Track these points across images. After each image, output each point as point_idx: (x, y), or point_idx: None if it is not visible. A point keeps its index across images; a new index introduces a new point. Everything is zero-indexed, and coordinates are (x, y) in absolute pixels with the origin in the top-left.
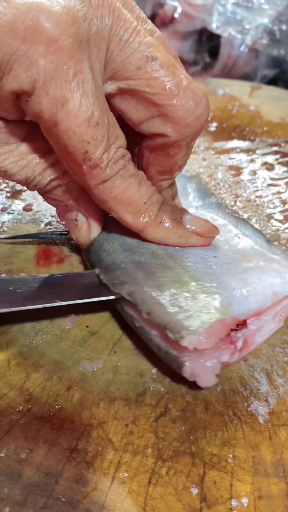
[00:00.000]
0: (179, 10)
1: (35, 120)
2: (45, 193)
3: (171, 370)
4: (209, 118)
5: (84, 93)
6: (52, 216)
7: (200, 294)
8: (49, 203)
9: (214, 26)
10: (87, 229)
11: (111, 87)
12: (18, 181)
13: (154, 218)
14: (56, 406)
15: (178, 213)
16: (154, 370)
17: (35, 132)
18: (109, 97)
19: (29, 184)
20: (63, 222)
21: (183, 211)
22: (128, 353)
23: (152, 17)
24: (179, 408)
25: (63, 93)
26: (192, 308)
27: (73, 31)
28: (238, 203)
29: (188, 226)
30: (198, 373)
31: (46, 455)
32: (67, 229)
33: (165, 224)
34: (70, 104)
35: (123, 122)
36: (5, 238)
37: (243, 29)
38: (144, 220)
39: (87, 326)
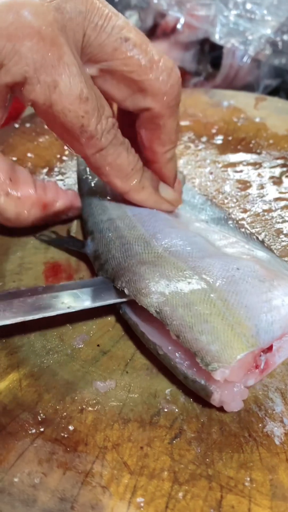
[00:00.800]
0: (181, 21)
1: (32, 106)
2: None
3: (184, 390)
4: (215, 131)
5: (71, 74)
6: None
7: (229, 319)
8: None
9: (217, 37)
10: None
11: (92, 70)
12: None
13: (138, 183)
14: (70, 428)
15: (156, 181)
16: (168, 391)
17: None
18: (93, 79)
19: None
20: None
21: (158, 181)
22: (141, 373)
23: (154, 27)
24: (194, 430)
25: (53, 77)
26: (223, 338)
27: (51, 19)
28: (246, 218)
29: (162, 193)
30: (226, 400)
31: (61, 479)
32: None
33: (146, 189)
34: (61, 85)
35: None
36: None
37: (246, 40)
38: (131, 184)
39: (98, 345)
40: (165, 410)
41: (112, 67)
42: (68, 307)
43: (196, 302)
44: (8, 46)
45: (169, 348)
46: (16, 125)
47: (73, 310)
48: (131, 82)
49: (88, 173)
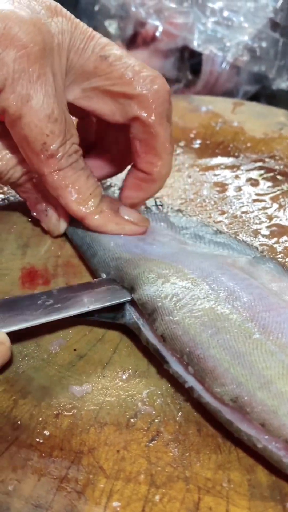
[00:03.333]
0: (160, 29)
1: (1, 114)
2: (18, 187)
3: (161, 392)
4: (193, 135)
5: (46, 93)
6: None
7: None
8: (20, 196)
9: (196, 44)
10: (57, 219)
11: (76, 91)
12: None
13: (95, 208)
14: (45, 433)
15: (116, 204)
16: (145, 393)
17: (7, 132)
18: (77, 100)
19: (3, 177)
20: (35, 214)
21: (119, 203)
22: (117, 376)
23: (134, 36)
24: (171, 431)
25: (28, 91)
26: None
27: (40, 40)
28: (224, 220)
29: (124, 216)
30: None
31: (36, 485)
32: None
33: (105, 213)
34: (33, 101)
35: None
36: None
37: (224, 47)
38: (87, 209)
39: (75, 350)
40: (142, 412)
41: (95, 84)
42: (88, 306)
43: (274, 379)
44: None
45: (266, 437)
46: None
47: (93, 309)
48: (115, 95)
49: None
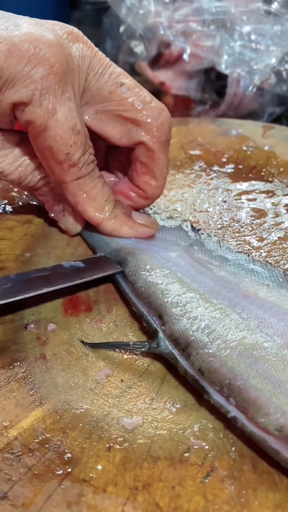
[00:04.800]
0: (188, 51)
1: (25, 126)
2: (36, 190)
3: (213, 426)
4: (225, 159)
5: (70, 108)
6: None
7: None
8: (38, 199)
9: (223, 66)
10: (74, 219)
11: (89, 111)
12: (12, 181)
13: (110, 213)
14: (98, 468)
15: (127, 209)
16: (196, 426)
17: (26, 139)
18: (90, 121)
19: (22, 182)
20: (52, 215)
21: (130, 208)
22: (167, 408)
23: (158, 57)
24: (225, 467)
25: (54, 106)
26: None
27: (64, 60)
28: (263, 246)
29: (136, 219)
30: None
31: None
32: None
33: (119, 217)
34: (59, 114)
35: None
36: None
37: (251, 70)
38: (103, 215)
39: (122, 380)
40: (195, 446)
41: (108, 107)
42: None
43: None
44: (25, 70)
45: None
46: None
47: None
48: (125, 120)
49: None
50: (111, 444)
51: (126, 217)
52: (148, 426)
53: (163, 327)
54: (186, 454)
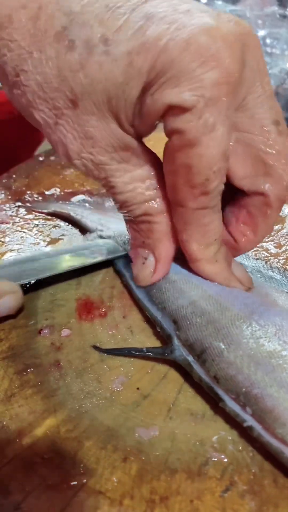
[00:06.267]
0: None
1: (169, 133)
2: (131, 222)
3: (232, 438)
4: None
5: (228, 128)
6: None
7: None
8: (128, 230)
9: None
10: (151, 272)
11: (231, 135)
12: (116, 200)
13: (213, 255)
14: (114, 479)
15: (229, 258)
16: (215, 438)
17: (156, 164)
18: None
19: (124, 207)
20: (131, 254)
21: (232, 257)
22: (185, 418)
23: None
24: (245, 481)
25: (214, 122)
26: None
27: (241, 69)
28: (281, 253)
29: (234, 272)
30: None
31: None
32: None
33: (219, 263)
34: (216, 133)
35: None
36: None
37: None
38: (205, 255)
39: (138, 388)
40: (214, 459)
41: (252, 141)
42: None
43: None
44: (198, 72)
45: None
46: (41, 158)
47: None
48: (260, 164)
49: None
50: (127, 455)
51: (226, 266)
52: (165, 437)
53: (177, 332)
54: (204, 467)
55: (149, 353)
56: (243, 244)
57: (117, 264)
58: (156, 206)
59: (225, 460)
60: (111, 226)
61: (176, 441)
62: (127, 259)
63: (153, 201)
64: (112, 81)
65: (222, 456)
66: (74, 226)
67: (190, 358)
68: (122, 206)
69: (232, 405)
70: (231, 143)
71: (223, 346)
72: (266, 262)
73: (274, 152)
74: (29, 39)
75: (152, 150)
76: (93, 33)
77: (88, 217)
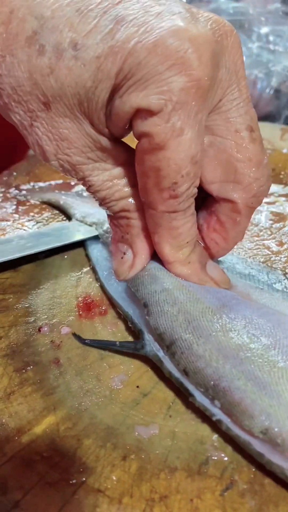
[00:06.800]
0: None
1: (138, 136)
2: (112, 218)
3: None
4: None
5: (198, 133)
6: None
7: None
8: (110, 225)
9: None
10: (129, 266)
11: (205, 138)
12: (95, 197)
13: (186, 257)
14: (113, 478)
15: (204, 258)
16: (215, 437)
17: (131, 164)
18: None
19: (103, 204)
20: (111, 248)
21: (207, 257)
22: (185, 417)
23: None
24: (246, 480)
25: (182, 126)
26: None
27: (212, 75)
28: (282, 251)
29: (209, 272)
30: None
31: None
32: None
33: (192, 264)
34: (184, 138)
35: None
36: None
37: (269, 71)
38: (177, 257)
39: (137, 386)
40: (214, 458)
41: (224, 146)
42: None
43: None
44: (166, 75)
45: None
46: None
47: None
48: (231, 170)
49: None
50: (127, 453)
51: (199, 267)
52: (165, 435)
53: (147, 317)
54: (204, 466)
55: (121, 347)
56: (215, 251)
57: (92, 261)
58: (133, 202)
59: (225, 459)
60: (97, 216)
61: (176, 439)
62: (101, 257)
63: (131, 198)
64: (82, 85)
65: (222, 455)
66: (64, 215)
67: (160, 354)
68: (101, 202)
69: (201, 399)
70: (204, 147)
71: (192, 339)
72: (246, 260)
73: (245, 159)
74: (2, 43)
75: (131, 147)
76: (63, 37)
77: (77, 207)
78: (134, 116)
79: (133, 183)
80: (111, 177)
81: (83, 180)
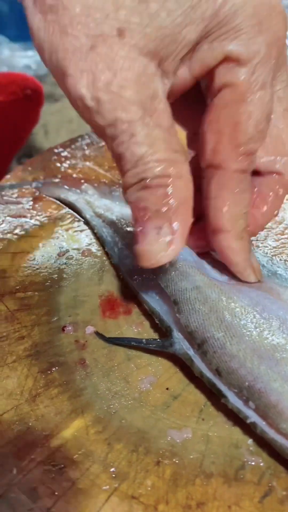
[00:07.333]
0: None
1: (218, 88)
2: (143, 189)
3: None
4: None
5: (272, 92)
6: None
7: None
8: (135, 203)
9: None
10: (168, 243)
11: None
12: (133, 152)
13: (241, 230)
14: (147, 483)
15: (250, 241)
16: (250, 441)
17: (175, 129)
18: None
19: (138, 165)
20: (141, 230)
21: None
22: (218, 420)
23: None
24: (284, 486)
25: (265, 80)
26: None
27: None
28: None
29: (252, 260)
30: None
31: None
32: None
33: (245, 241)
34: (265, 93)
35: None
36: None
37: None
38: (232, 227)
39: (167, 389)
40: (250, 463)
41: (276, 122)
42: None
43: None
44: (257, 27)
45: None
46: (56, 150)
47: None
48: (280, 144)
49: None
50: (160, 458)
51: (248, 247)
52: (198, 439)
53: (178, 315)
54: (241, 471)
55: (149, 345)
56: (252, 228)
57: (113, 257)
58: (175, 169)
59: (262, 464)
60: (116, 210)
61: (210, 443)
62: (122, 254)
63: (173, 163)
64: (171, 20)
65: (259, 460)
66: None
67: (190, 352)
68: (138, 162)
69: (234, 400)
70: None
71: (225, 338)
72: (272, 258)
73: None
74: None
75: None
76: None
77: (94, 202)
78: (220, 64)
79: (176, 148)
80: (156, 135)
81: (127, 125)
